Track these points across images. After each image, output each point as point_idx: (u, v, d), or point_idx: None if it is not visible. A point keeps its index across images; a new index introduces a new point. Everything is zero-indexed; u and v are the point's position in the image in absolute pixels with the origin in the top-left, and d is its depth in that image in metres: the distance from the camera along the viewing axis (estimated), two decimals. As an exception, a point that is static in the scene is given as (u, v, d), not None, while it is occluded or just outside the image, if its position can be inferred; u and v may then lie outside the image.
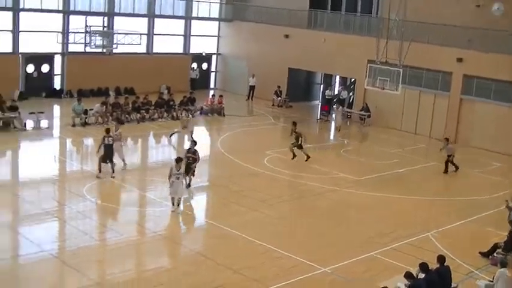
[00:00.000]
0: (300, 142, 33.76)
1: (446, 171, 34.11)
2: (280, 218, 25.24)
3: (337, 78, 55.73)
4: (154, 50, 55.29)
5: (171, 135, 36.51)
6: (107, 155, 28.75)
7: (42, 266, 19.73)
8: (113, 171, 29.00)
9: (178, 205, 24.63)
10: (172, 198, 24.68)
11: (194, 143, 28.61)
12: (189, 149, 28.34)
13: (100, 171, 28.61)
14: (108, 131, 29.32)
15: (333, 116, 43.84)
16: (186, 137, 36.28)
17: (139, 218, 24.50)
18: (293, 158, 33.70)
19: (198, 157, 27.80)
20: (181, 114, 40.82)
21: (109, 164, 28.83)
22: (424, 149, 41.32)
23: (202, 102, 46.71)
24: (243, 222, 24.00)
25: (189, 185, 27.55)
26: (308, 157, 33.79)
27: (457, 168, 34.36)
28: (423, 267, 17.71)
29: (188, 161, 27.20)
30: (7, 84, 45.11)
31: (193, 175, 27.85)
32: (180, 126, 37.41)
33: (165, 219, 24.31)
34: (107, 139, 28.72)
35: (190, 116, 39.52)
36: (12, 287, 18.42)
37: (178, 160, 25.03)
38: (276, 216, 25.33)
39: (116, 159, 29.42)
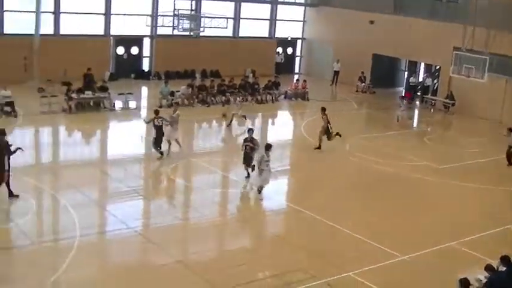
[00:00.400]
0: (329, 129, 32.41)
1: (510, 163, 32.80)
2: (359, 203, 25.20)
3: (422, 65, 54.91)
4: (241, 34, 55.67)
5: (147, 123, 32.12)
6: (158, 137, 28.76)
7: (127, 242, 20.23)
8: (168, 152, 29.05)
9: (260, 192, 24.32)
10: (261, 186, 24.37)
11: (251, 130, 27.46)
12: (246, 137, 27.09)
13: (161, 154, 28.80)
14: (157, 112, 29.34)
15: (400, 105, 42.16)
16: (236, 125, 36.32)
17: (221, 199, 24.85)
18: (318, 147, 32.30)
19: (257, 145, 26.34)
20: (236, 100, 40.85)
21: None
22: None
23: (286, 87, 46.75)
24: (323, 206, 23.96)
25: (248, 175, 26.42)
26: (319, 147, 32.27)
27: None
28: (505, 260, 17.02)
29: (246, 150, 26.20)
30: (99, 65, 46.07)
31: (252, 168, 25.71)
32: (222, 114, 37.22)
33: (246, 201, 24.63)
34: (157, 121, 28.65)
35: (239, 103, 38.73)
36: (98, 262, 19.00)
37: (268, 147, 24.43)
38: (355, 201, 25.31)
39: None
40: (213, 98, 42.22)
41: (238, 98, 39.87)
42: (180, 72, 51.07)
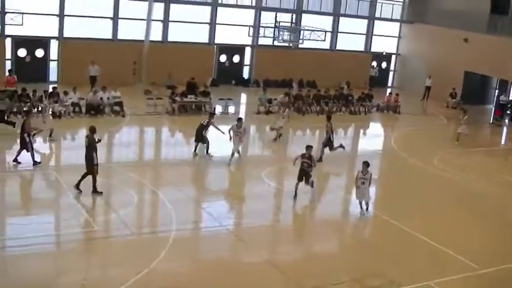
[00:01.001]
0: (331, 140, 30.77)
1: None
2: (443, 215, 24.67)
3: (513, 84, 53.58)
4: (338, 47, 55.52)
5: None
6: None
7: (219, 239, 20.38)
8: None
9: (366, 209, 23.08)
10: (360, 202, 23.16)
11: (310, 148, 24.60)
12: (303, 153, 24.37)
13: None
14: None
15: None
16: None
17: (310, 204, 24.79)
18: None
19: (314, 163, 24.27)
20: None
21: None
22: None
23: (379, 99, 46.32)
24: (408, 216, 23.52)
25: (296, 195, 24.14)
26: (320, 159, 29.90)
27: None
28: None
29: (302, 167, 24.07)
30: (202, 71, 46.90)
31: (311, 184, 24.04)
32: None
33: (335, 207, 24.47)
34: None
35: (286, 115, 36.34)
36: (191, 255, 19.19)
37: (368, 164, 22.87)
38: (440, 214, 24.82)
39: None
40: (308, 107, 42.20)
41: (286, 110, 37.49)
42: (278, 81, 51.26)
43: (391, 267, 18.93)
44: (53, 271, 17.43)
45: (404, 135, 34.69)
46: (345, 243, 21.48)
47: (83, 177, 22.36)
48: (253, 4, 50.90)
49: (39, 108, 34.82)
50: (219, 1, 49.40)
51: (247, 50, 52.53)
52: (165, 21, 48.22)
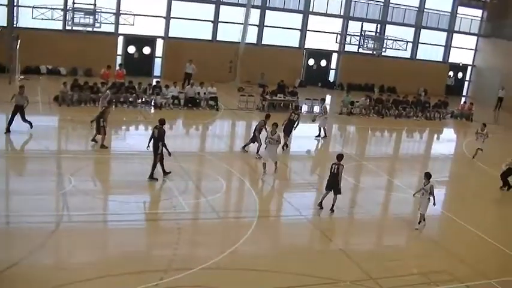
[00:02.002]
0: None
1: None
2: (509, 218, 23.99)
3: None
4: (418, 57, 54.62)
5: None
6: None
7: (298, 227, 20.29)
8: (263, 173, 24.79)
9: (423, 220, 21.18)
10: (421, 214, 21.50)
11: (341, 156, 21.77)
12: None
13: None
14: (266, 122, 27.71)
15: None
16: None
17: (385, 200, 24.41)
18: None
19: (339, 172, 21.30)
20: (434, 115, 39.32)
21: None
22: None
23: (454, 107, 45.29)
24: (476, 217, 22.90)
25: (321, 205, 21.63)
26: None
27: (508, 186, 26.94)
28: None
29: (333, 171, 21.40)
30: (292, 73, 47.13)
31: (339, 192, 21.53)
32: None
33: (406, 205, 24.00)
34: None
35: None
36: (271, 240, 19.13)
37: (429, 175, 21.10)
38: (505, 216, 24.11)
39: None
40: (387, 111, 41.61)
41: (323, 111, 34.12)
42: (361, 85, 50.87)
43: (455, 265, 18.44)
44: (146, 245, 17.73)
45: (475, 141, 33.66)
46: (414, 239, 21.02)
47: (154, 167, 22.42)
48: (342, 13, 50.58)
49: (143, 99, 35.55)
50: (310, 9, 49.34)
51: (334, 56, 52.36)
52: (260, 26, 48.42)
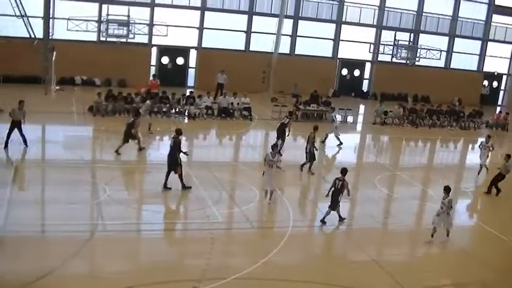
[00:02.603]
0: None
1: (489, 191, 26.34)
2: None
3: None
4: (452, 66, 54.12)
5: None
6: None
7: (331, 237, 20.25)
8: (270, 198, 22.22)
9: (447, 235, 20.36)
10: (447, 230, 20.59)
11: (346, 170, 20.87)
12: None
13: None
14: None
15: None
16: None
17: (418, 211, 24.13)
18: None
19: (345, 186, 20.54)
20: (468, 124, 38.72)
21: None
22: None
23: (488, 117, 44.78)
24: (509, 227, 22.57)
25: (340, 218, 20.89)
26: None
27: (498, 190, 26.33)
28: None
29: (334, 188, 20.63)
30: (325, 83, 47.04)
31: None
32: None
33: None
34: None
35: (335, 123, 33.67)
36: (304, 250, 18.97)
37: (448, 189, 20.10)
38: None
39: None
40: (421, 121, 41.23)
41: (335, 119, 34.08)
42: (394, 94, 50.56)
43: (488, 275, 18.11)
44: (179, 255, 17.71)
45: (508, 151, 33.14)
46: (446, 249, 20.70)
47: (167, 176, 22.17)
48: (375, 23, 50.36)
49: (177, 110, 35.71)
50: (343, 19, 49.22)
51: (367, 65, 52.15)
52: (293, 36, 48.43)
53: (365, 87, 52.49)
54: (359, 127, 40.99)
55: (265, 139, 34.60)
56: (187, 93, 38.02)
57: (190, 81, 47.03)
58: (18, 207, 19.23)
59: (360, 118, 43.84)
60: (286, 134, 29.11)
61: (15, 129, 25.99)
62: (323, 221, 20.55)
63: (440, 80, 51.66)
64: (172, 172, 22.06)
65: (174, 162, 22.03)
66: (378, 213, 22.46)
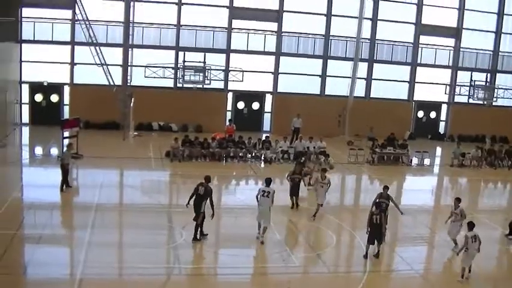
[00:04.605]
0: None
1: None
2: None
3: None
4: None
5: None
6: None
7: (409, 282, 19.51)
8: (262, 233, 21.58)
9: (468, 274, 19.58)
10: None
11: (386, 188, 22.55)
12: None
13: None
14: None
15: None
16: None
17: (498, 254, 23.15)
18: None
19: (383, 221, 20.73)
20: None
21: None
22: None
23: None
24: None
25: (366, 255, 20.68)
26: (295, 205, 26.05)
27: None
28: None
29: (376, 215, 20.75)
30: (401, 125, 46.50)
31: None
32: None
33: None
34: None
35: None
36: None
37: (471, 226, 19.28)
38: None
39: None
40: (500, 162, 40.08)
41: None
42: (472, 136, 49.47)
43: None
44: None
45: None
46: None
47: (196, 227, 21.11)
48: (450, 64, 49.68)
49: (253, 154, 35.84)
50: (418, 61, 48.74)
51: (444, 107, 51.31)
52: (368, 79, 48.19)
53: (441, 129, 51.57)
54: (436, 169, 40.11)
55: (342, 183, 34.19)
56: (263, 138, 38.12)
57: (266, 125, 47.23)
58: (96, 250, 19.52)
59: (437, 160, 43.02)
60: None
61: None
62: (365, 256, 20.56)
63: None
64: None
65: (197, 210, 20.93)
66: (458, 257, 21.73)
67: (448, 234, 22.21)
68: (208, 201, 20.92)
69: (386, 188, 22.98)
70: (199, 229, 21.09)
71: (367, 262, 20.18)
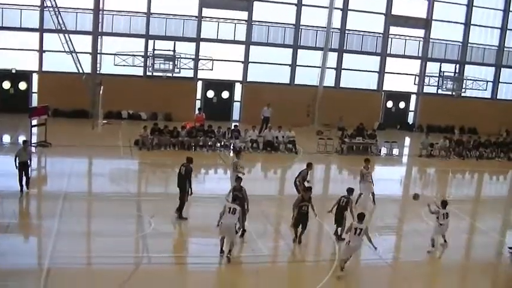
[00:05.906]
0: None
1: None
2: None
3: None
4: (499, 96, 53.34)
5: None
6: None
7: (378, 271, 19.78)
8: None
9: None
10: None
11: (351, 190, 22.15)
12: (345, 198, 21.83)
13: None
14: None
15: None
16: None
17: (466, 244, 23.61)
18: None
19: (349, 204, 21.60)
20: None
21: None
22: None
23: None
24: None
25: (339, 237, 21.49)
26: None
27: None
28: None
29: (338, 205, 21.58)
30: (370, 116, 46.74)
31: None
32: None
33: (488, 248, 23.11)
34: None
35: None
36: (349, 285, 18.76)
37: (445, 204, 21.00)
38: None
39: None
40: (468, 152, 40.59)
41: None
42: (441, 126, 49.97)
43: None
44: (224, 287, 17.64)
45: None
46: (497, 285, 20.21)
47: (181, 206, 22.43)
48: (420, 55, 50.05)
49: (222, 143, 35.89)
50: (388, 51, 49.04)
51: (413, 97, 51.69)
52: (338, 69, 48.37)
53: (410, 120, 51.98)
54: (405, 159, 40.54)
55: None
56: (233, 127, 38.14)
57: (236, 114, 47.25)
58: (64, 239, 19.44)
59: (406, 151, 43.38)
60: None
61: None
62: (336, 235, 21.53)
63: (487, 111, 50.85)
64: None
65: (182, 190, 22.32)
66: (422, 245, 22.02)
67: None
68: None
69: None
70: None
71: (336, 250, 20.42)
